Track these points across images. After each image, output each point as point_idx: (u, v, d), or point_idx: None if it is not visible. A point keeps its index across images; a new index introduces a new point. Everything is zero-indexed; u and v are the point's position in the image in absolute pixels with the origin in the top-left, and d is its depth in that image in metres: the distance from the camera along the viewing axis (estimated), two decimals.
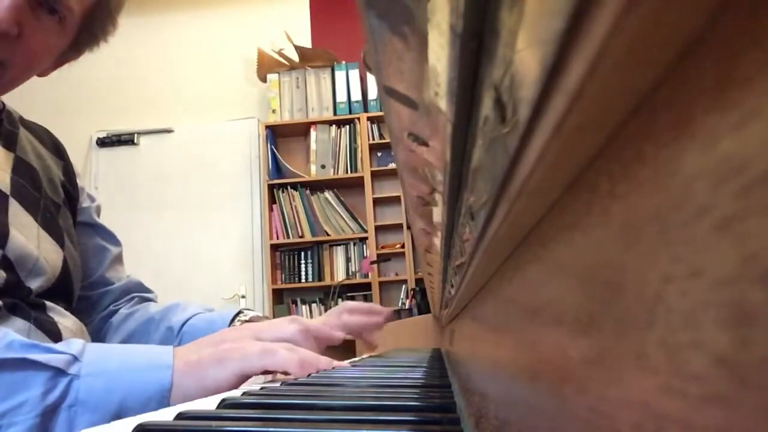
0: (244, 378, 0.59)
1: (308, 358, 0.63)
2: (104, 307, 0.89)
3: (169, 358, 0.57)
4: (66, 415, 0.51)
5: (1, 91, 0.69)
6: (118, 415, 0.52)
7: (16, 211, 0.68)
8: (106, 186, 3.63)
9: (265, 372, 0.62)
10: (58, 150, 0.85)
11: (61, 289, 0.74)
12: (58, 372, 0.51)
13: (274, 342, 0.63)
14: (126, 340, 0.86)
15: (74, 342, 0.55)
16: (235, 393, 0.53)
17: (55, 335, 0.68)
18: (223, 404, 0.46)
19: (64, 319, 0.71)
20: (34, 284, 0.69)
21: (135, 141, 3.74)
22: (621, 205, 0.12)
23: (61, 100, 3.71)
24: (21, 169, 0.73)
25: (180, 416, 0.41)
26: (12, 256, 0.66)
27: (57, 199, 0.78)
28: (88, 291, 0.87)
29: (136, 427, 0.37)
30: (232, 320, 0.89)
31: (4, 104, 0.76)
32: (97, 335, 0.87)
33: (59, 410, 0.51)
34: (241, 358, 0.58)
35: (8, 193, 0.69)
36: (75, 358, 0.52)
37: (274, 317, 3.50)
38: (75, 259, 0.79)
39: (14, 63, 0.66)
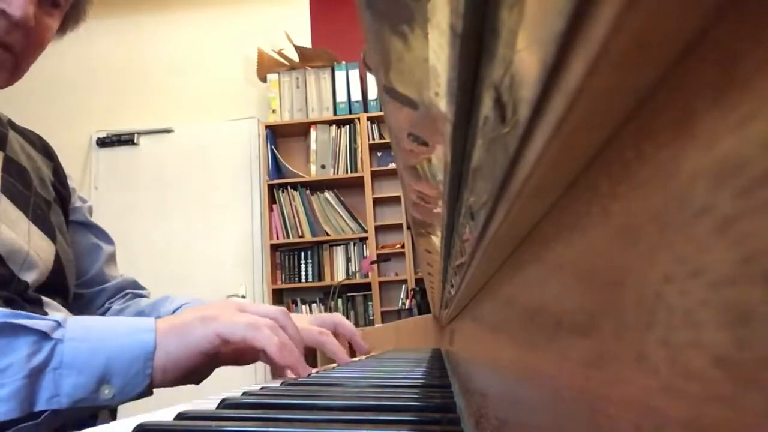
0: (225, 342, 0.59)
1: (289, 344, 0.63)
2: (99, 305, 0.90)
3: (152, 322, 0.59)
4: (52, 377, 0.52)
5: (12, 81, 0.71)
6: (104, 377, 0.54)
7: (5, 207, 0.70)
8: (106, 186, 3.62)
9: (241, 354, 0.61)
10: (47, 152, 0.86)
11: (56, 284, 0.75)
12: (43, 336, 0.52)
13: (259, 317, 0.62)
14: None
15: (57, 313, 0.56)
16: (235, 393, 0.53)
17: None
18: (223, 404, 0.46)
19: (60, 315, 0.71)
20: (29, 278, 0.69)
21: (135, 141, 3.74)
22: (621, 205, 0.12)
23: (61, 100, 3.71)
24: (11, 168, 0.74)
25: (180, 416, 0.41)
26: (2, 251, 0.67)
27: (48, 197, 0.79)
28: (83, 289, 0.88)
29: (136, 427, 0.37)
30: None
31: None
32: None
33: (45, 372, 0.52)
34: (226, 322, 0.59)
35: None
36: (59, 324, 0.54)
37: None
38: (68, 254, 0.79)
39: (27, 54, 0.69)
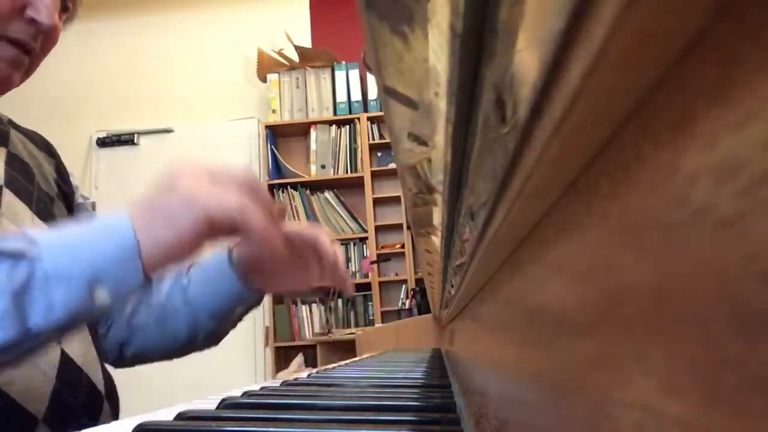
0: (213, 224, 0.55)
1: (276, 230, 0.58)
2: None
3: (125, 218, 0.56)
4: (40, 294, 0.51)
5: (24, 78, 0.72)
6: (93, 282, 0.52)
7: (9, 201, 0.70)
8: (106, 186, 3.62)
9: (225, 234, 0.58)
10: (49, 150, 0.86)
11: None
12: (18, 256, 0.51)
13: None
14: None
15: (25, 232, 0.54)
16: (235, 393, 0.53)
17: None
18: (223, 404, 0.46)
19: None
20: None
21: (135, 141, 3.74)
22: (621, 206, 0.12)
23: (61, 100, 3.71)
24: (14, 163, 0.75)
25: (180, 416, 0.41)
26: None
27: (51, 193, 0.79)
28: None
29: (136, 427, 0.37)
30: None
31: None
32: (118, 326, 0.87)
33: (30, 291, 0.50)
34: (213, 204, 0.55)
35: (2, 183, 0.70)
36: (31, 241, 0.52)
37: (274, 317, 3.46)
38: None
39: (42, 56, 0.72)
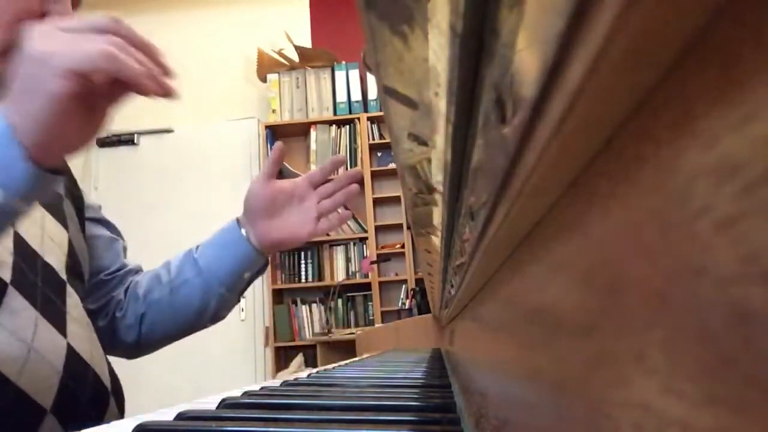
0: (83, 77, 0.51)
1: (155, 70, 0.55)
2: (126, 286, 0.92)
3: None
4: None
5: None
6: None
7: None
8: (106, 186, 3.63)
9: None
10: None
11: (75, 267, 0.76)
12: None
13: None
14: (147, 294, 0.89)
15: None
16: (235, 393, 0.53)
17: (59, 316, 0.69)
18: (223, 404, 0.46)
19: (74, 310, 0.72)
20: (52, 260, 0.71)
21: (135, 141, 3.74)
22: (621, 205, 0.12)
23: None
24: None
25: (180, 416, 0.41)
26: (21, 232, 0.68)
27: (59, 191, 0.81)
28: (109, 276, 0.90)
29: (136, 427, 0.37)
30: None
31: None
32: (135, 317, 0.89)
33: None
34: (67, 53, 0.50)
35: None
36: None
37: (274, 317, 3.47)
38: (80, 242, 0.81)
39: None
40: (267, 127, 3.56)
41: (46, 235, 0.72)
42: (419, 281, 3.17)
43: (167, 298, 0.88)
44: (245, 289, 0.90)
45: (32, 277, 0.67)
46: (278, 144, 0.88)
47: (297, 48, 3.60)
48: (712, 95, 0.09)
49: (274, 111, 3.62)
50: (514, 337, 0.25)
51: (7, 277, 0.63)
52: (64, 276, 0.72)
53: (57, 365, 0.64)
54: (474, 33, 0.15)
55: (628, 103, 0.11)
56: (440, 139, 0.23)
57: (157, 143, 3.75)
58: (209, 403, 0.48)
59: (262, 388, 0.57)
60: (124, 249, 0.97)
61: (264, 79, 3.69)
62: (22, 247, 0.67)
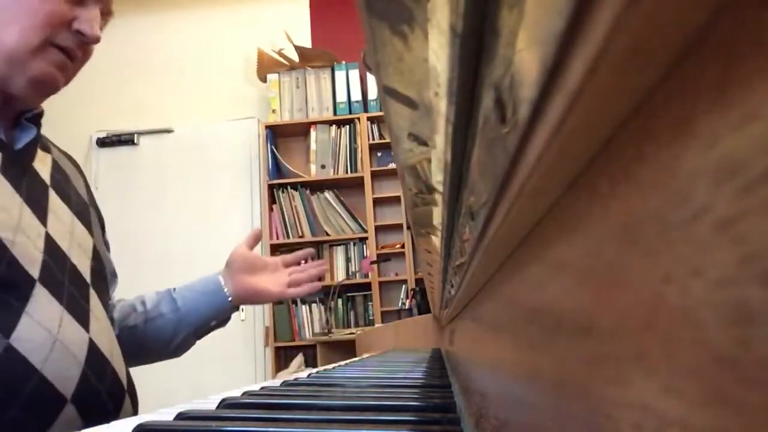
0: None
1: None
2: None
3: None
4: None
5: (66, 83, 0.80)
6: None
7: (54, 200, 0.77)
8: (106, 186, 3.62)
9: None
10: (79, 169, 0.94)
11: (100, 273, 0.81)
12: None
13: None
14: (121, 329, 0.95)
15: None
16: (235, 393, 0.53)
17: (84, 313, 0.72)
18: (223, 404, 0.46)
19: (97, 309, 0.76)
20: (77, 261, 0.75)
21: (135, 141, 3.74)
22: (621, 206, 0.12)
23: (61, 100, 3.70)
24: (57, 168, 0.82)
25: (180, 416, 0.41)
26: (53, 233, 0.73)
27: (85, 200, 0.87)
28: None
29: (136, 428, 0.37)
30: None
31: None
32: None
33: None
34: None
35: (48, 184, 0.77)
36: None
37: (274, 317, 3.53)
38: (104, 251, 0.87)
39: (82, 61, 0.80)
40: (267, 127, 3.56)
41: (75, 239, 0.77)
42: (419, 281, 3.17)
43: (141, 326, 0.97)
44: (204, 335, 1.02)
45: (60, 276, 0.71)
46: (258, 229, 1.11)
47: (297, 48, 3.60)
48: (712, 95, 0.09)
49: (274, 111, 3.61)
50: (514, 337, 0.25)
51: (35, 274, 0.67)
52: (88, 278, 0.77)
53: (79, 357, 0.68)
54: (474, 33, 0.15)
55: (628, 103, 0.11)
56: (440, 139, 0.23)
57: (157, 143, 3.75)
58: (209, 403, 0.48)
59: (262, 388, 0.57)
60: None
61: (264, 79, 3.69)
62: (52, 248, 0.71)
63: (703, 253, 0.09)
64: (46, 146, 0.83)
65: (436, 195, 0.34)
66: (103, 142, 3.74)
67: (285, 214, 3.49)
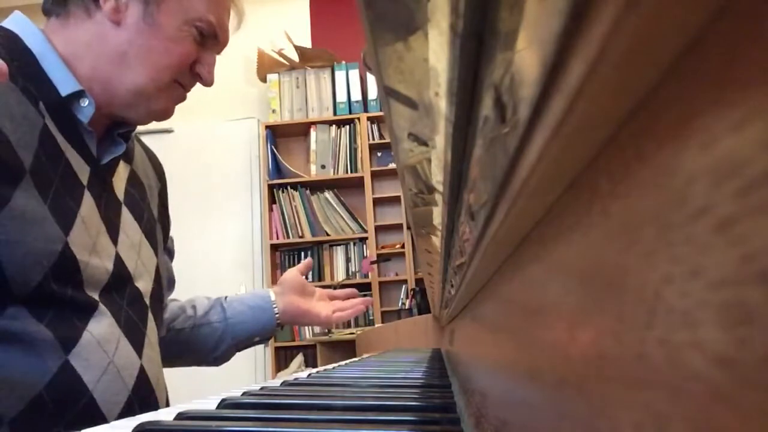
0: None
1: None
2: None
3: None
4: None
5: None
6: None
7: (126, 218, 0.78)
8: None
9: None
10: (160, 171, 0.98)
11: (158, 293, 0.83)
12: None
13: None
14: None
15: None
16: (235, 393, 0.53)
17: (139, 338, 0.73)
18: (223, 404, 0.46)
19: (152, 335, 0.77)
20: (141, 285, 0.77)
21: None
22: (621, 205, 0.12)
23: None
24: (133, 181, 0.84)
25: (180, 416, 0.41)
26: (122, 254, 0.75)
27: (155, 215, 0.89)
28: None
29: (136, 427, 0.37)
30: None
31: None
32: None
33: None
34: None
35: (122, 201, 0.78)
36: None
37: None
38: (164, 269, 0.89)
39: None
40: (267, 127, 3.56)
41: (141, 259, 0.79)
42: (419, 281, 3.17)
43: (188, 331, 0.98)
44: (244, 348, 1.03)
45: (122, 298, 0.72)
46: (309, 260, 1.17)
47: (297, 48, 3.60)
48: (712, 95, 0.09)
49: (274, 111, 3.61)
50: (514, 337, 0.25)
51: (100, 295, 0.68)
52: (148, 301, 0.78)
53: (129, 383, 0.68)
54: (474, 33, 0.15)
55: (628, 103, 0.11)
56: (440, 139, 0.23)
57: (157, 143, 3.72)
58: (209, 403, 0.48)
59: (262, 388, 0.57)
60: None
61: (264, 79, 3.69)
62: (119, 269, 0.73)
63: (702, 253, 0.09)
64: (129, 148, 0.83)
65: (436, 195, 0.34)
66: None
67: (285, 214, 3.49)
